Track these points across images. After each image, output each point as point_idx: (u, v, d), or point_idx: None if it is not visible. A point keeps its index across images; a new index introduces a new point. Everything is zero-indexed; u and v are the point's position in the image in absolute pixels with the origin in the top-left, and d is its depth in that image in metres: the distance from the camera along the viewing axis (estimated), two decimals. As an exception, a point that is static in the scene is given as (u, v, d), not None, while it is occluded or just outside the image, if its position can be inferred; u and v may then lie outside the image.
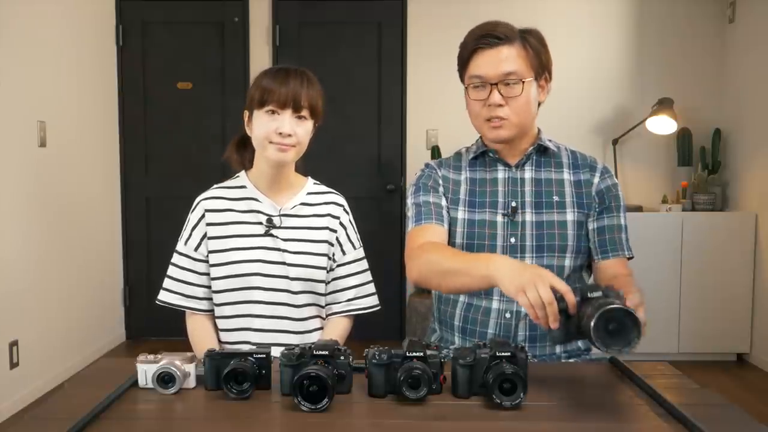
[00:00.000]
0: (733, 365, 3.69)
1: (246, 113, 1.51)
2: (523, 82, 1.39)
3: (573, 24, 4.01)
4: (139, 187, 4.10)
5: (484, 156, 1.51)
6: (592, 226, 1.47)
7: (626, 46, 4.03)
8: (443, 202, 1.49)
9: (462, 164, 1.53)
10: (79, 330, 3.54)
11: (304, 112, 1.45)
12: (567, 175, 1.48)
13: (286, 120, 1.43)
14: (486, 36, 1.39)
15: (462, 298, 1.48)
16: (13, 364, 2.92)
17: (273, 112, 1.43)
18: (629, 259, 1.47)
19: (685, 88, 3.98)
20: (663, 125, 3.81)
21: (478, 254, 1.34)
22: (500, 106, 1.40)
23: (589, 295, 1.05)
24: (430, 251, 1.37)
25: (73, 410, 0.98)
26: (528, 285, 1.08)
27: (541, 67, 1.43)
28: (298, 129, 1.45)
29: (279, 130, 1.43)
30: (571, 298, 1.06)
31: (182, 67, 4.06)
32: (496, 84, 1.39)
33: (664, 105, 3.76)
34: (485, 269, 1.20)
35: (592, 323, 0.95)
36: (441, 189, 1.51)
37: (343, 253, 1.57)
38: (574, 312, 1.06)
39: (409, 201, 1.53)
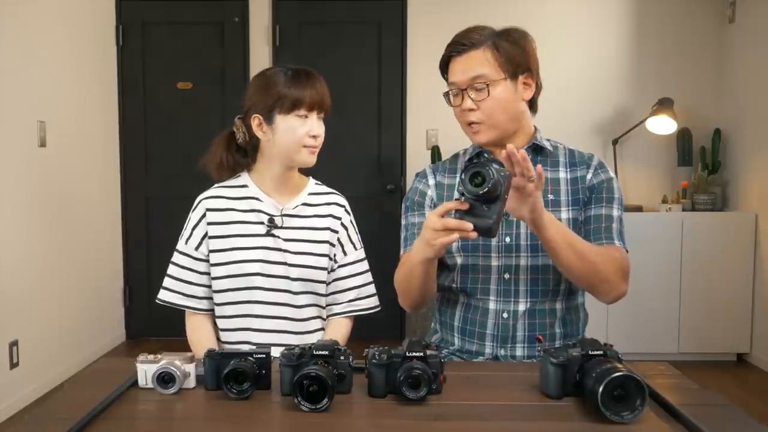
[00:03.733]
0: (733, 365, 3.69)
1: (257, 117, 1.48)
2: (489, 84, 1.39)
3: (573, 24, 4.01)
4: (139, 187, 4.10)
5: (479, 157, 1.52)
6: (581, 217, 1.45)
7: (626, 46, 4.03)
8: None
9: (458, 166, 1.54)
10: (79, 330, 3.54)
11: (325, 112, 1.49)
12: (563, 174, 1.48)
13: (314, 122, 1.47)
14: (455, 44, 1.43)
15: (461, 299, 1.49)
16: (13, 364, 2.92)
17: (305, 116, 1.45)
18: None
19: (685, 88, 3.98)
20: (663, 125, 3.81)
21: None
22: (472, 110, 1.42)
23: (590, 352, 1.05)
24: (396, 275, 1.46)
25: (73, 410, 0.98)
26: (429, 236, 1.19)
27: (516, 66, 1.42)
28: (322, 130, 1.49)
29: (311, 133, 1.46)
30: (449, 205, 1.17)
31: (182, 67, 4.06)
32: (466, 89, 1.41)
33: (664, 105, 3.76)
34: (411, 262, 1.33)
35: (600, 389, 0.95)
36: (428, 201, 1.52)
37: (344, 253, 1.57)
38: (466, 207, 1.14)
39: (402, 220, 1.55)
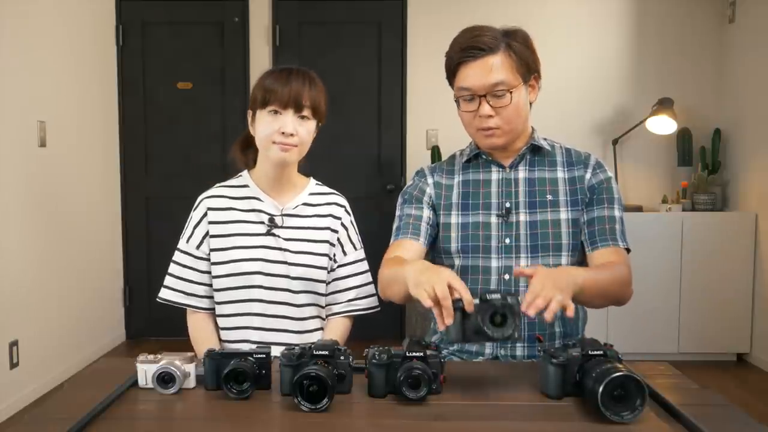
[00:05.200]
0: (733, 365, 3.69)
1: (250, 113, 1.51)
2: (511, 92, 1.38)
3: (573, 24, 4.01)
4: (139, 187, 4.10)
5: (477, 158, 1.52)
6: (583, 218, 1.45)
7: (626, 46, 4.03)
8: (425, 213, 1.49)
9: (455, 168, 1.54)
10: (79, 330, 3.54)
11: (306, 112, 1.45)
12: (561, 174, 1.48)
13: (288, 120, 1.43)
14: (470, 48, 1.38)
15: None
16: (13, 364, 2.92)
17: (275, 112, 1.44)
18: (627, 251, 1.45)
19: (685, 88, 3.98)
20: (663, 125, 3.81)
21: (405, 261, 1.35)
22: (490, 116, 1.39)
23: (590, 352, 1.05)
24: (384, 266, 1.41)
25: (73, 410, 0.98)
26: (426, 282, 1.10)
27: (528, 70, 1.42)
28: (300, 129, 1.45)
29: (281, 130, 1.43)
30: (467, 297, 1.08)
31: (182, 67, 4.06)
32: (485, 95, 1.38)
33: (664, 105, 3.76)
34: (402, 275, 1.24)
35: (600, 389, 0.95)
36: (426, 198, 1.51)
37: (344, 253, 1.57)
38: (471, 310, 1.08)
39: (397, 211, 1.54)
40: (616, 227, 1.43)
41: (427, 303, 1.08)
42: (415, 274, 1.16)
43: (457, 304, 1.08)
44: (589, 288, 1.25)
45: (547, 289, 1.09)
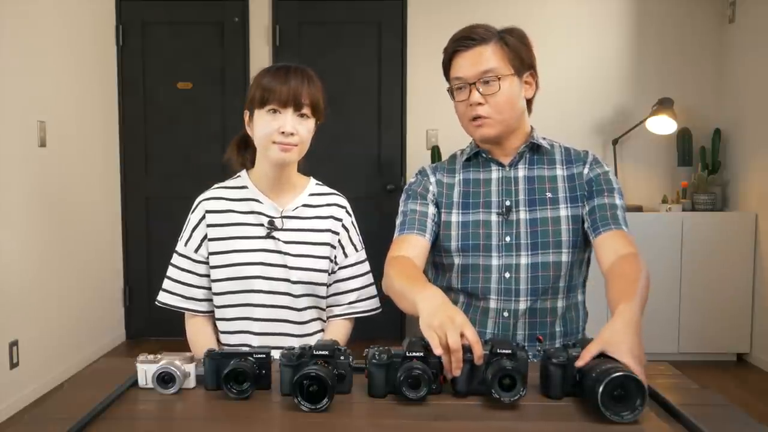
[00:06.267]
0: (733, 365, 3.69)
1: (246, 113, 1.49)
2: (500, 78, 1.40)
3: (573, 24, 4.01)
4: (139, 187, 4.10)
5: (477, 157, 1.52)
6: (584, 210, 1.46)
7: (626, 46, 4.03)
8: (430, 210, 1.50)
9: (456, 167, 1.54)
10: (79, 330, 3.54)
11: (306, 110, 1.44)
12: (560, 171, 1.49)
13: (288, 119, 1.42)
14: (463, 38, 1.42)
15: (461, 298, 1.49)
16: (13, 364, 2.92)
17: (275, 111, 1.42)
18: None
19: (685, 88, 3.98)
20: (663, 125, 3.81)
21: (419, 282, 1.29)
22: (480, 104, 1.41)
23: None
24: (393, 266, 1.39)
25: (73, 410, 0.98)
26: (438, 327, 1.06)
27: (522, 64, 1.44)
28: (300, 128, 1.44)
29: (281, 129, 1.41)
30: (478, 351, 1.05)
31: (182, 67, 4.06)
32: (475, 83, 1.41)
33: (664, 105, 3.76)
34: (413, 299, 1.20)
35: (600, 389, 0.95)
36: (430, 195, 1.51)
37: (345, 255, 1.56)
38: (480, 363, 1.05)
39: (401, 206, 1.54)
40: (618, 213, 1.43)
41: (438, 351, 1.04)
42: (428, 314, 1.11)
43: (467, 356, 1.05)
44: (643, 310, 1.20)
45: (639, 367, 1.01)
